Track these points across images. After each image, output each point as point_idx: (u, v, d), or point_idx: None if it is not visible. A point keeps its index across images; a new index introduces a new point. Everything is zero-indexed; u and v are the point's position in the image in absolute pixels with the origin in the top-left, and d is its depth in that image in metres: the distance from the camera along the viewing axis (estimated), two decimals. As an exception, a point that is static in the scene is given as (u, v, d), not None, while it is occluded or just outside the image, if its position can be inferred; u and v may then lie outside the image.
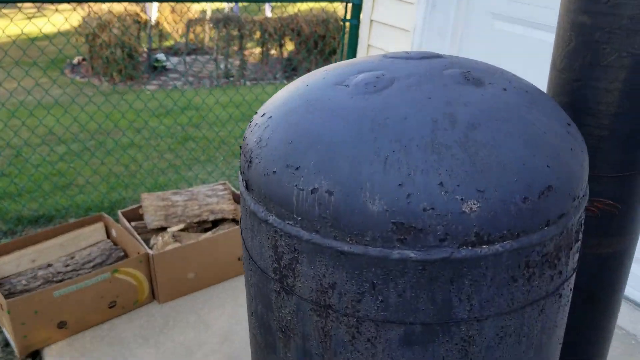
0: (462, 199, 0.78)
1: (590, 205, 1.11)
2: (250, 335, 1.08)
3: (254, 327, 1.04)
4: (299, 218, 0.84)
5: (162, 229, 3.34)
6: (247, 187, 0.94)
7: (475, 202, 0.78)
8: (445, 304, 0.83)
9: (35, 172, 4.06)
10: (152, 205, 3.30)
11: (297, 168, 0.84)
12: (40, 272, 2.99)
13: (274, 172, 0.86)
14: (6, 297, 2.76)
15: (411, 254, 0.80)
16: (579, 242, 0.95)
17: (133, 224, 3.32)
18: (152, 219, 3.29)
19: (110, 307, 3.01)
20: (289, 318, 0.92)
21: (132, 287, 3.05)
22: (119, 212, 3.34)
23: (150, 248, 3.14)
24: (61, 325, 2.84)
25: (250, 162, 0.91)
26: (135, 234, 3.18)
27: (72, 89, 5.22)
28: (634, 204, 1.23)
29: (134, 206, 3.41)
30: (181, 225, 3.31)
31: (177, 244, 3.17)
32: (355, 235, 0.81)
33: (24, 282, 2.92)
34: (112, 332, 3.01)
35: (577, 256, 0.95)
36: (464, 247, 0.80)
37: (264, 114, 0.95)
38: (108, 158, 4.30)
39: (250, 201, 0.92)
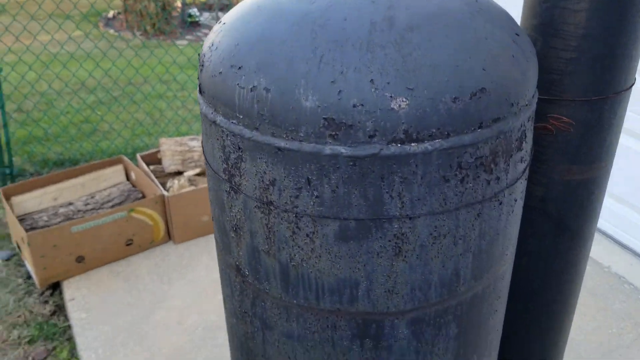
0: (391, 96, 0.81)
1: (546, 122, 1.12)
2: (215, 240, 1.14)
3: (215, 232, 1.10)
4: (241, 116, 0.88)
5: (179, 173, 3.43)
6: (200, 91, 0.99)
7: (404, 100, 0.81)
8: (376, 200, 0.86)
9: (62, 117, 4.20)
10: (169, 150, 3.39)
11: (239, 68, 0.88)
12: (61, 210, 3.13)
13: (220, 72, 0.90)
14: (27, 231, 2.90)
15: (342, 149, 0.83)
16: (523, 152, 0.96)
17: (151, 167, 3.43)
18: (169, 163, 3.39)
19: (127, 245, 3.14)
20: (238, 217, 0.97)
21: (148, 227, 3.16)
22: (138, 156, 3.45)
23: (167, 191, 3.24)
24: (79, 259, 2.99)
25: (203, 65, 0.96)
26: (153, 176, 3.29)
27: (104, 42, 5.32)
28: (603, 129, 1.23)
29: (153, 150, 3.51)
30: (197, 170, 3.40)
31: (192, 188, 3.27)
32: (290, 131, 0.84)
33: (45, 218, 3.07)
34: (128, 268, 3.15)
35: (521, 166, 0.97)
36: (393, 144, 0.83)
37: (220, 22, 0.99)
38: (133, 107, 4.41)
39: (203, 104, 0.97)
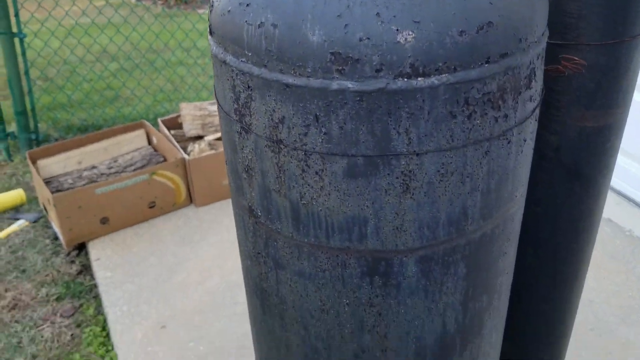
0: (397, 29, 0.81)
1: (557, 64, 1.11)
2: (229, 184, 1.16)
3: (228, 175, 1.12)
4: (250, 54, 0.89)
5: (199, 138, 3.47)
6: (210, 32, 1.00)
7: (411, 33, 0.81)
8: (384, 136, 0.87)
9: (84, 84, 4.25)
10: (190, 114, 3.42)
11: (247, 5, 0.88)
12: (85, 173, 3.20)
13: (229, 10, 0.91)
14: (53, 193, 2.97)
15: (349, 84, 0.84)
16: (532, 91, 0.96)
17: (172, 132, 3.47)
18: (189, 128, 3.42)
19: (150, 208, 3.21)
20: (249, 157, 0.99)
21: (170, 190, 3.22)
22: (159, 120, 3.49)
23: (188, 155, 3.28)
24: (104, 221, 3.06)
25: (212, 6, 0.97)
26: (174, 140, 3.33)
27: (125, 9, 5.35)
28: (619, 74, 1.21)
29: (173, 115, 3.55)
30: (217, 135, 3.43)
31: (212, 152, 3.30)
32: (298, 67, 0.85)
33: (70, 181, 3.14)
34: (150, 230, 3.21)
35: (530, 105, 0.97)
36: (400, 78, 0.83)
37: (230, -35, 1.00)
38: (154, 74, 4.44)
39: (213, 45, 0.98)
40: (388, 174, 0.90)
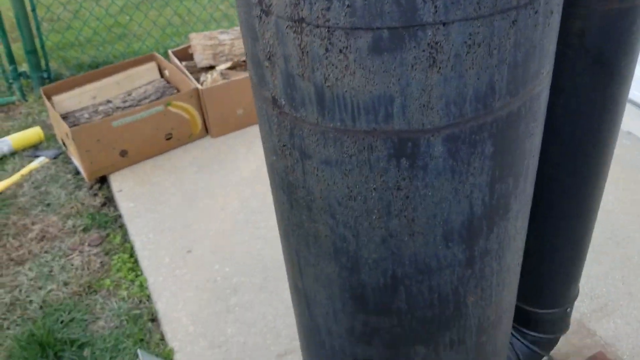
0: None
1: None
2: (250, 78, 1.16)
3: (250, 69, 1.12)
4: None
5: (211, 68, 3.44)
6: None
7: None
8: (409, 5, 0.85)
9: (92, 21, 4.20)
10: (200, 44, 3.38)
11: None
12: (101, 108, 3.20)
13: None
14: (71, 127, 2.99)
15: (372, -50, 0.82)
16: (560, -43, 0.93)
17: (184, 63, 3.44)
18: (201, 58, 3.39)
19: (167, 139, 3.22)
20: (271, 42, 0.98)
21: (186, 121, 3.22)
22: (170, 52, 3.46)
23: (201, 85, 3.27)
24: (123, 153, 3.08)
25: None
26: (186, 71, 3.31)
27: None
28: (647, -51, 1.17)
29: (184, 46, 3.51)
30: (229, 64, 3.40)
31: (225, 81, 3.28)
32: (318, -64, 0.83)
33: (86, 115, 3.15)
34: (169, 161, 3.24)
35: (558, -27, 0.94)
36: (424, -59, 0.81)
37: None
38: (162, 8, 4.37)
39: None
40: (414, 47, 0.89)
